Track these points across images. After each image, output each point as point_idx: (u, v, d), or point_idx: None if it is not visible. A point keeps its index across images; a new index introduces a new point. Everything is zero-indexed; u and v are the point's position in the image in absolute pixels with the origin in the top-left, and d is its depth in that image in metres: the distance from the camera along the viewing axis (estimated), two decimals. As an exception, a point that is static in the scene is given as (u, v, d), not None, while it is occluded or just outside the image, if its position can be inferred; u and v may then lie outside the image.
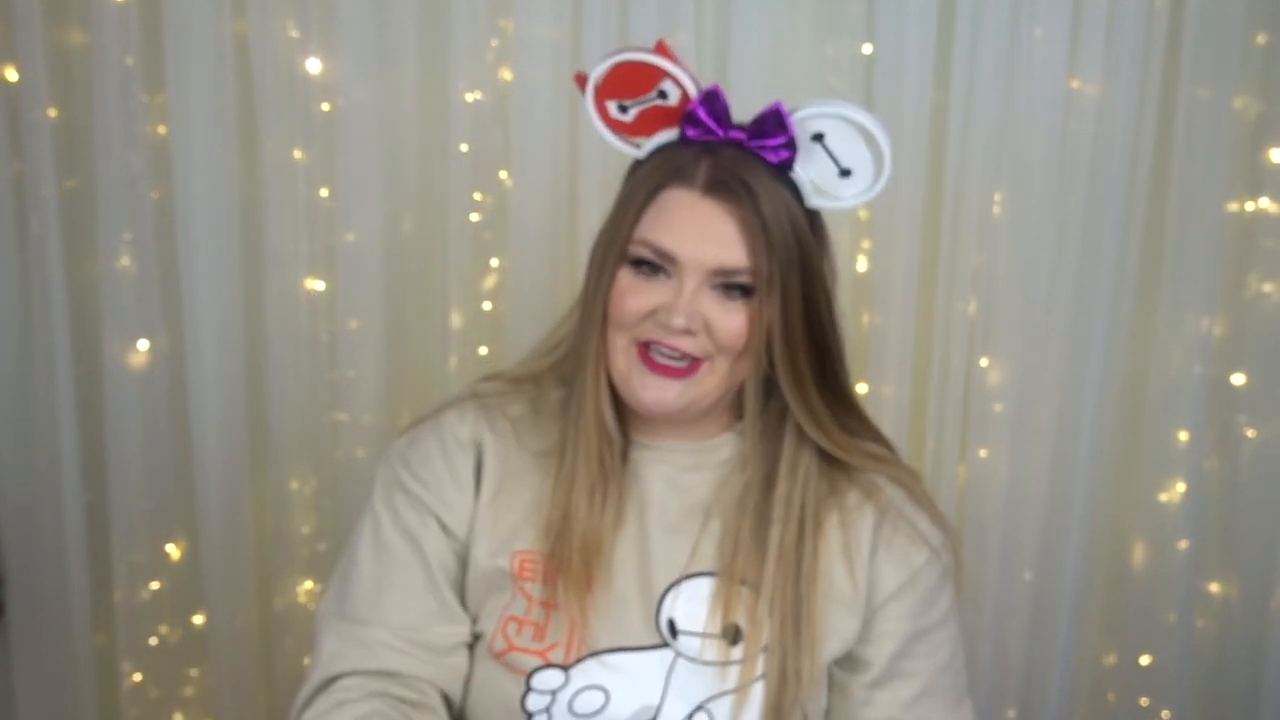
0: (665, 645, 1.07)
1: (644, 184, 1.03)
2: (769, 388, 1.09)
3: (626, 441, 1.11)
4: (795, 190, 1.04)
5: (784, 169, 1.03)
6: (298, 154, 1.66)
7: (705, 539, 1.09)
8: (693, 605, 1.07)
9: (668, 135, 1.06)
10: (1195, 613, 1.75)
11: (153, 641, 1.81)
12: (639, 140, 1.08)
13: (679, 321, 1.00)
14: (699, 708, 1.06)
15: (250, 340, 1.72)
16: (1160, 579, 1.72)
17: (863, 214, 1.67)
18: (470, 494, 1.10)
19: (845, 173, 1.04)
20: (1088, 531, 1.71)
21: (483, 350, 1.71)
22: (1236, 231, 1.66)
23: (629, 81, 1.04)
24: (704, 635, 1.06)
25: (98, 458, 1.76)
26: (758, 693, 1.06)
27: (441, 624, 1.08)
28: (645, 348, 1.03)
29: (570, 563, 1.05)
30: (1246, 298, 1.67)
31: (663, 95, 1.04)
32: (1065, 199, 1.62)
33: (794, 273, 1.01)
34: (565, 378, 1.13)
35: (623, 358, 1.04)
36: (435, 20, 1.63)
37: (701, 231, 1.00)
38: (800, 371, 1.05)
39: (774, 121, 1.02)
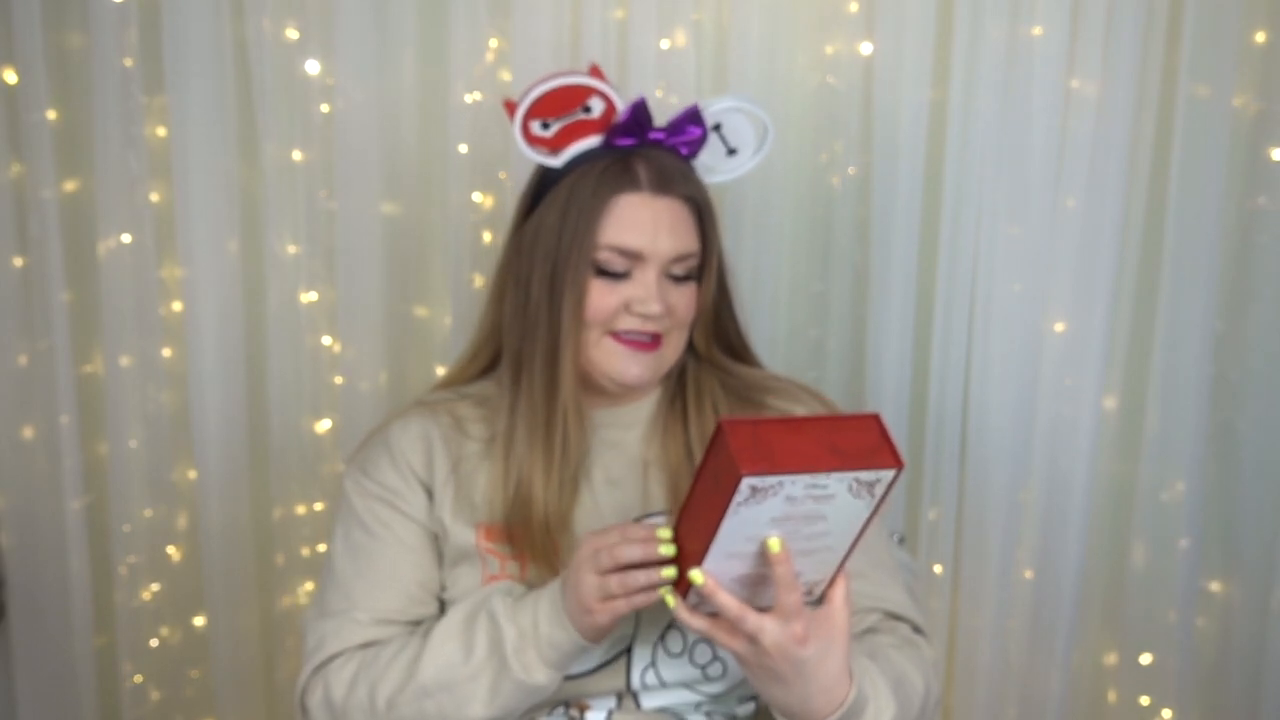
0: None
1: (591, 196, 1.13)
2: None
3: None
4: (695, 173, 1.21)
5: (691, 158, 1.20)
6: (298, 155, 1.66)
7: (650, 484, 1.20)
8: None
9: (587, 144, 1.16)
10: (1195, 612, 1.75)
11: (153, 643, 1.81)
12: (555, 151, 1.17)
13: (655, 309, 1.12)
14: (670, 626, 1.15)
15: (250, 340, 1.72)
16: (1160, 579, 1.72)
17: (863, 214, 1.67)
18: (423, 493, 1.19)
19: (732, 152, 1.23)
20: (1088, 531, 1.71)
21: (483, 351, 1.71)
22: (1236, 231, 1.66)
23: (557, 102, 1.15)
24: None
25: (98, 459, 1.76)
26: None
27: (416, 607, 1.17)
28: (614, 334, 1.15)
29: (535, 539, 1.14)
30: (1246, 297, 1.67)
31: (586, 110, 1.16)
32: (1065, 198, 1.62)
33: (719, 245, 1.19)
34: (499, 377, 1.22)
35: (598, 350, 1.15)
36: (435, 21, 1.63)
37: (661, 227, 1.13)
38: (725, 325, 1.23)
39: (691, 119, 1.17)
